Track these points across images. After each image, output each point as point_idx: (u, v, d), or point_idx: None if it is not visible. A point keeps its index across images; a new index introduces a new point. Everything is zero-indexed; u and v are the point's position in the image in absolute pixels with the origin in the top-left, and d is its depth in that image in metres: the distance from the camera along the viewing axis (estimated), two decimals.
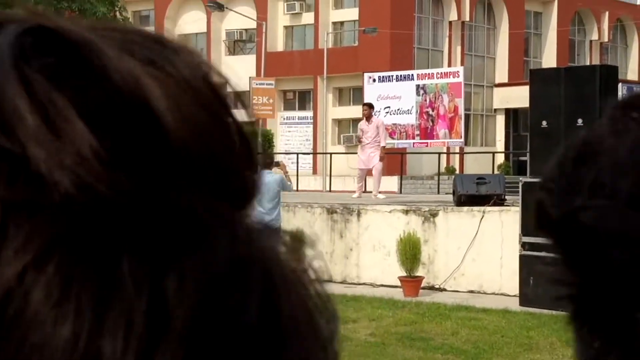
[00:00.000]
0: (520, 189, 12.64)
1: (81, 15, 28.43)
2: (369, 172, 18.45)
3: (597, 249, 0.69)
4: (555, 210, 0.74)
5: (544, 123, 12.41)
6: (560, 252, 0.74)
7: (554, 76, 12.79)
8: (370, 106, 18.60)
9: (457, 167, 46.20)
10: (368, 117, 18.08)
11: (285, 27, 53.34)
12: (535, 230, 0.81)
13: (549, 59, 53.88)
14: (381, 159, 18.12)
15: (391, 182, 36.10)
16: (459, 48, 51.04)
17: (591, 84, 12.05)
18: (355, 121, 18.95)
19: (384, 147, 18.42)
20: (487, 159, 38.97)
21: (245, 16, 44.31)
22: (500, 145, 50.73)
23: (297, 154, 33.27)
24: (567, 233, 0.72)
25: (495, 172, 32.78)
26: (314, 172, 47.07)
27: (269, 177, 14.38)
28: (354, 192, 18.56)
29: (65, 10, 28.50)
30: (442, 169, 35.64)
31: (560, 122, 12.21)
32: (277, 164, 15.28)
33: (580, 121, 12.00)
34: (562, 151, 0.78)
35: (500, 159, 46.44)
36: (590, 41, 57.58)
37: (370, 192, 18.17)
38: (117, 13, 30.31)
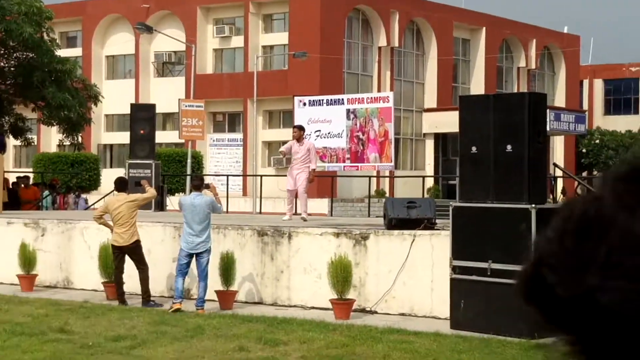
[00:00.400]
0: (450, 213, 12.72)
1: (8, 35, 27.97)
2: (297, 193, 18.44)
3: (621, 332, 0.65)
4: (563, 288, 0.69)
5: (474, 149, 12.51)
6: (566, 330, 0.70)
7: (483, 102, 12.91)
8: (300, 128, 18.60)
9: (387, 190, 46.47)
10: (299, 139, 18.08)
11: (215, 50, 53.20)
12: (525, 301, 0.76)
13: (477, 85, 54.64)
14: (311, 181, 18.12)
15: (321, 205, 36.11)
16: (388, 73, 51.46)
17: (520, 110, 12.19)
18: (286, 143, 18.90)
19: (314, 169, 18.43)
20: (416, 182, 39.27)
21: (174, 39, 44.08)
22: (429, 169, 51.21)
23: (227, 175, 33.11)
24: (581, 313, 0.67)
25: (425, 195, 33.01)
26: (244, 193, 46.89)
27: (199, 199, 14.27)
28: (285, 214, 18.53)
29: None
30: (372, 192, 35.81)
31: (489, 148, 12.33)
32: (207, 186, 15.16)
33: (509, 147, 12.15)
34: (559, 223, 0.73)
35: (429, 182, 46.87)
36: (518, 68, 58.56)
37: (308, 214, 18.14)
38: (44, 34, 29.90)
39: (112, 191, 21.57)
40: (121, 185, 15.55)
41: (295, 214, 18.79)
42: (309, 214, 18.21)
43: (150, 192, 15.67)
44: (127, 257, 14.95)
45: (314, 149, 18.53)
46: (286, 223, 16.71)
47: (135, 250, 14.90)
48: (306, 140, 18.42)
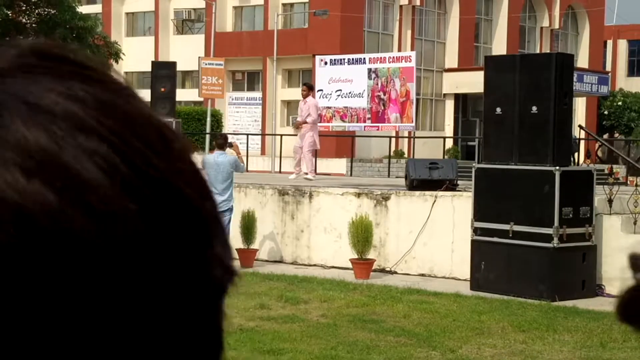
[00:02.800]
0: (473, 174, 12.67)
1: None
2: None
3: None
4: None
5: (498, 109, 12.43)
6: None
7: (509, 63, 12.80)
8: (309, 87, 18.38)
9: (405, 150, 46.36)
10: (305, 97, 17.95)
11: (235, 8, 52.93)
12: (624, 321, 0.75)
13: (499, 45, 54.17)
14: (295, 127, 17.87)
15: (340, 165, 36.10)
16: (409, 32, 51.08)
17: (547, 71, 12.08)
18: None
19: (305, 121, 17.98)
20: (435, 143, 39.10)
21: None
22: (449, 130, 50.94)
23: (247, 134, 33.10)
24: None
25: (445, 156, 32.93)
26: (262, 152, 46.91)
27: (222, 158, 14.26)
28: (306, 173, 18.50)
29: None
30: (391, 153, 35.75)
31: (514, 109, 12.25)
32: (230, 145, 15.14)
33: (534, 108, 12.06)
34: None
35: (449, 143, 46.71)
36: (541, 28, 57.97)
37: (326, 173, 18.08)
38: None
39: None
40: None
41: (316, 173, 18.73)
42: (317, 173, 17.98)
43: None
44: None
45: (314, 106, 18.23)
46: (307, 182, 16.71)
47: None
48: (309, 99, 18.04)
